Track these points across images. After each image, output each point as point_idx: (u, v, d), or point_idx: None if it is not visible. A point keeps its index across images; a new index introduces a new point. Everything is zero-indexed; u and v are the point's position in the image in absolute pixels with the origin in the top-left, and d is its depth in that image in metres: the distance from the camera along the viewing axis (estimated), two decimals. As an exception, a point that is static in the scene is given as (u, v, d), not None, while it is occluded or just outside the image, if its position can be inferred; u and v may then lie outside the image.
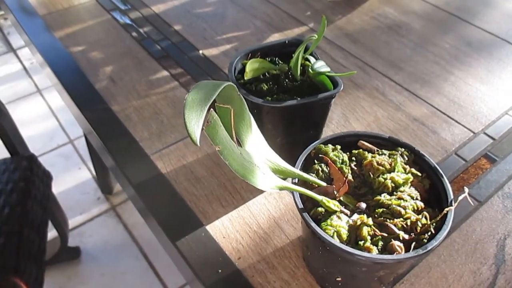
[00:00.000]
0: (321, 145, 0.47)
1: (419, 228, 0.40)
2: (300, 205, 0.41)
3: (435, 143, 0.65)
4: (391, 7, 0.94)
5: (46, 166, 1.07)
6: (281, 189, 0.38)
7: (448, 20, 0.90)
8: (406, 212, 0.41)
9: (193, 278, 0.51)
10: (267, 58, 0.58)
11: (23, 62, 2.15)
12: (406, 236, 0.40)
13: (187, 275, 0.53)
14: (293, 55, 0.55)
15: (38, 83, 2.02)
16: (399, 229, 0.40)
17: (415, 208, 0.41)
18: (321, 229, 0.39)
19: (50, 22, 0.89)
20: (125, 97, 0.72)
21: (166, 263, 1.32)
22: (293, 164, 0.44)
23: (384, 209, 0.41)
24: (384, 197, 0.42)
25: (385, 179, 0.43)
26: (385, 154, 0.46)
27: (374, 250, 0.39)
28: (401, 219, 0.40)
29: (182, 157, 0.63)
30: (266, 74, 0.56)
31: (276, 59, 0.58)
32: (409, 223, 0.40)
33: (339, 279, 0.44)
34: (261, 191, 0.58)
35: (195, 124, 0.28)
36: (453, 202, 0.41)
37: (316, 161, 0.45)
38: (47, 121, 1.83)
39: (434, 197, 0.44)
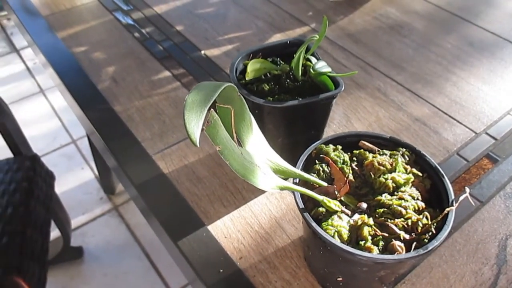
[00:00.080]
0: (322, 145, 0.47)
1: (420, 228, 0.40)
2: (301, 205, 0.41)
3: (437, 143, 0.65)
4: (393, 7, 0.94)
5: (49, 166, 1.07)
6: (282, 189, 0.38)
7: (450, 20, 0.90)
8: (407, 212, 0.41)
9: (194, 278, 0.51)
10: (269, 59, 0.58)
11: (26, 62, 2.16)
12: (407, 236, 0.40)
13: (189, 275, 0.53)
14: (294, 55, 0.55)
15: (41, 83, 2.02)
16: (400, 229, 0.40)
17: (416, 208, 0.42)
18: (322, 229, 0.39)
19: (53, 23, 0.89)
20: (127, 98, 0.72)
21: (168, 263, 1.32)
22: (294, 164, 0.44)
23: (385, 209, 0.41)
24: (385, 197, 0.42)
25: (386, 179, 0.43)
26: (386, 154, 0.46)
27: (375, 250, 0.39)
28: (402, 219, 0.40)
29: (183, 157, 0.63)
30: (268, 74, 0.56)
31: (278, 59, 0.58)
32: (410, 223, 0.40)
33: (340, 279, 0.44)
34: (263, 191, 0.58)
35: (194, 125, 0.28)
36: (454, 202, 0.41)
37: (317, 161, 0.46)
38: (50, 121, 1.84)
39: (435, 197, 0.44)
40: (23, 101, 1.93)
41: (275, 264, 0.51)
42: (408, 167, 0.45)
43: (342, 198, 0.43)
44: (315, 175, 0.44)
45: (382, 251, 0.39)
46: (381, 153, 0.46)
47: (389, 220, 0.40)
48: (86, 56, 0.81)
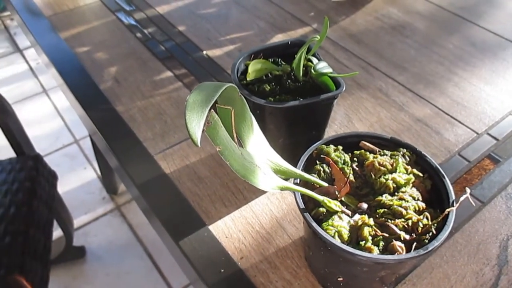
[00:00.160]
0: (323, 145, 0.47)
1: (420, 229, 0.40)
2: (302, 206, 0.41)
3: (438, 143, 0.65)
4: (395, 8, 0.94)
5: (51, 166, 1.08)
6: (282, 189, 0.38)
7: (452, 20, 0.90)
8: (407, 213, 0.41)
9: (196, 278, 0.51)
10: (270, 59, 0.58)
11: (29, 62, 2.17)
12: (407, 237, 0.40)
13: (190, 274, 0.53)
14: (295, 56, 0.55)
15: (44, 83, 2.03)
16: (400, 230, 0.40)
17: (417, 208, 0.42)
18: (323, 229, 0.39)
19: (56, 23, 0.90)
20: (129, 98, 0.72)
21: (171, 263, 1.33)
22: (295, 165, 0.44)
23: (385, 210, 0.41)
24: (385, 198, 0.42)
25: (387, 179, 0.43)
26: (386, 155, 0.46)
27: (375, 250, 0.39)
28: (402, 219, 0.40)
29: (185, 157, 0.63)
30: (269, 75, 0.56)
31: (279, 60, 0.58)
32: (410, 224, 0.40)
33: (340, 279, 0.44)
34: (264, 192, 0.58)
35: (196, 125, 0.28)
36: (454, 202, 0.41)
37: (318, 162, 0.46)
38: (52, 121, 1.84)
39: (436, 198, 0.44)
40: (26, 101, 1.94)
41: (276, 264, 0.51)
42: (409, 167, 0.45)
43: (343, 199, 0.43)
44: (315, 175, 0.44)
45: (382, 252, 0.39)
46: (382, 153, 0.46)
47: (389, 220, 0.40)
48: (88, 56, 0.81)
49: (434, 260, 0.51)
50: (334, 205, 0.41)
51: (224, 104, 0.37)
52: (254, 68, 0.54)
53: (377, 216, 0.41)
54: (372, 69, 0.78)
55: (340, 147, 0.47)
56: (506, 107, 0.70)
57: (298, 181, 0.43)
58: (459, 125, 0.67)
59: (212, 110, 0.31)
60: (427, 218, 0.41)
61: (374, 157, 0.45)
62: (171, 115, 0.69)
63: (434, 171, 0.45)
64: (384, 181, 0.43)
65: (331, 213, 0.41)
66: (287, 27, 0.88)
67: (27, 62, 2.17)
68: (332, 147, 0.47)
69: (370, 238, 0.40)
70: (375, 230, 0.40)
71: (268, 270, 0.50)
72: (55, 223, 1.03)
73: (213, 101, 0.31)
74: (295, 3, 0.95)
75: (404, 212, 0.41)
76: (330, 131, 0.66)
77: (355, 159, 0.46)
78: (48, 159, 1.61)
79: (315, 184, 0.43)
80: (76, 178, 1.60)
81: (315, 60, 0.56)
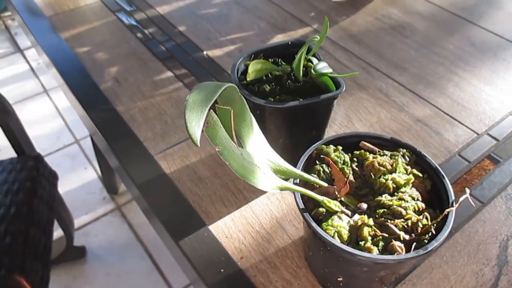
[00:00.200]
0: (323, 145, 0.47)
1: (419, 229, 0.40)
2: (301, 206, 0.41)
3: (438, 144, 0.65)
4: (395, 8, 0.94)
5: (52, 166, 1.08)
6: (282, 189, 0.38)
7: (453, 21, 0.90)
8: (407, 213, 0.41)
9: (196, 278, 0.51)
10: (270, 59, 0.58)
11: (30, 62, 2.17)
12: (407, 237, 0.40)
13: (190, 274, 0.54)
14: (295, 56, 0.55)
15: (45, 83, 2.03)
16: (399, 230, 0.40)
17: (416, 208, 0.42)
18: (322, 229, 0.39)
19: (56, 23, 0.90)
20: (129, 98, 0.72)
21: (171, 263, 1.33)
22: (296, 165, 0.44)
23: (385, 210, 0.41)
24: (385, 198, 0.42)
25: (386, 179, 0.43)
26: (386, 155, 0.46)
27: (375, 250, 0.39)
28: (402, 219, 0.40)
29: (185, 157, 0.63)
30: (269, 75, 0.56)
31: (279, 60, 0.58)
32: (409, 224, 0.40)
33: (340, 279, 0.44)
34: (264, 192, 0.58)
35: (195, 125, 0.29)
36: (454, 203, 0.41)
37: (317, 162, 0.46)
38: (53, 121, 1.84)
39: (435, 198, 0.44)
40: (26, 101, 1.94)
41: (276, 264, 0.51)
42: (409, 167, 0.45)
43: (342, 199, 0.43)
44: (315, 175, 0.44)
45: (382, 252, 0.39)
46: (382, 153, 0.46)
47: (389, 220, 0.40)
48: (89, 57, 0.81)
49: (434, 260, 0.51)
50: (334, 205, 0.41)
51: (224, 104, 0.37)
52: (254, 68, 0.54)
53: (377, 216, 0.41)
54: (372, 70, 0.78)
55: (340, 147, 0.47)
56: (506, 108, 0.70)
57: (297, 181, 0.43)
58: (459, 125, 0.67)
59: (211, 110, 0.31)
60: (426, 218, 0.41)
61: (374, 157, 0.45)
62: (172, 115, 0.69)
63: (433, 171, 0.45)
64: (384, 181, 0.43)
65: (330, 213, 0.41)
66: (287, 28, 0.88)
67: (28, 62, 2.17)
68: (332, 147, 0.47)
69: (369, 238, 0.40)
70: (374, 230, 0.40)
71: (268, 270, 0.50)
72: (55, 223, 1.03)
73: (212, 101, 0.31)
74: (295, 4, 0.95)
75: (403, 212, 0.41)
76: (330, 131, 0.66)
77: (355, 159, 0.46)
78: (48, 159, 1.61)
79: (315, 184, 0.43)
80: (76, 178, 1.60)
81: (315, 61, 0.56)
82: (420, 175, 0.45)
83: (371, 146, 0.47)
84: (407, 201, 0.42)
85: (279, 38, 0.86)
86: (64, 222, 1.14)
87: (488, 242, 0.53)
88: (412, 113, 0.69)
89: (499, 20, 0.90)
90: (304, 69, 0.55)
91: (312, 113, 0.54)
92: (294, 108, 0.51)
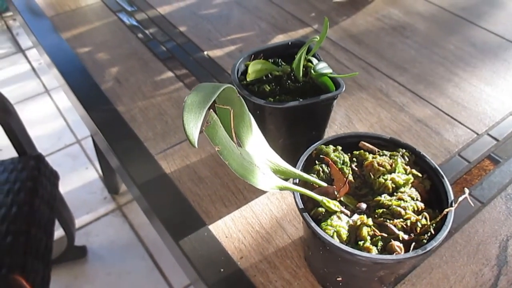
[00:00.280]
0: (322, 146, 0.47)
1: (419, 229, 0.40)
2: (301, 205, 0.41)
3: (438, 144, 0.65)
4: (395, 8, 0.94)
5: (53, 166, 1.08)
6: (281, 189, 0.39)
7: (453, 21, 0.90)
8: (406, 213, 0.41)
9: (196, 278, 0.52)
10: (270, 60, 0.58)
11: (32, 62, 2.17)
12: (406, 237, 0.40)
13: (190, 274, 0.54)
14: (295, 56, 0.55)
15: (46, 84, 2.04)
16: (398, 230, 0.40)
17: (415, 208, 0.42)
18: (321, 229, 0.39)
19: (58, 23, 0.90)
20: (130, 98, 0.73)
21: (172, 263, 1.33)
22: (295, 165, 0.44)
23: (384, 210, 0.41)
24: (384, 198, 0.42)
25: (386, 180, 0.43)
26: (386, 155, 0.46)
27: (374, 250, 0.39)
28: (401, 219, 0.41)
29: (185, 157, 0.63)
30: (269, 75, 0.57)
31: (279, 60, 0.58)
32: (409, 224, 0.40)
33: (339, 279, 0.44)
34: (264, 192, 0.58)
35: (193, 126, 0.29)
36: (453, 203, 0.41)
37: (317, 162, 0.46)
38: (55, 121, 1.85)
39: (435, 198, 0.44)
40: (28, 101, 1.95)
41: (275, 264, 0.51)
42: (408, 168, 0.45)
43: (342, 199, 0.43)
44: (315, 175, 0.45)
45: (381, 251, 0.39)
46: (381, 154, 0.46)
47: (388, 220, 0.41)
48: (90, 57, 0.81)
49: (433, 260, 0.51)
50: (333, 205, 0.41)
51: (223, 105, 0.37)
52: (254, 68, 0.54)
53: (376, 216, 0.41)
54: (373, 70, 0.78)
55: (340, 148, 0.47)
56: (506, 108, 0.70)
57: (297, 181, 0.43)
58: (459, 125, 0.67)
59: (211, 110, 0.31)
60: (425, 218, 0.41)
61: (373, 158, 0.46)
62: (172, 115, 0.69)
63: (433, 171, 0.45)
64: (383, 181, 0.43)
65: (330, 213, 0.41)
66: (288, 28, 0.89)
67: (29, 62, 2.18)
68: (331, 147, 0.47)
69: (368, 238, 0.40)
70: (373, 230, 0.40)
71: (267, 270, 0.50)
72: (56, 222, 1.03)
73: (210, 102, 0.31)
74: (296, 4, 0.96)
75: (403, 212, 0.41)
76: (330, 132, 0.66)
77: (354, 159, 0.47)
78: (50, 159, 1.62)
79: (314, 184, 0.43)
80: (77, 178, 1.60)
81: (315, 61, 0.56)
82: (420, 175, 0.45)
83: (371, 146, 0.48)
84: (406, 201, 0.42)
85: (279, 39, 0.86)
86: (65, 222, 1.14)
87: (488, 242, 0.53)
88: (412, 113, 0.69)
89: (500, 21, 0.90)
90: (304, 69, 0.55)
91: (312, 113, 0.54)
92: (294, 108, 0.51)
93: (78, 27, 0.89)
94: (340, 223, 0.40)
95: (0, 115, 0.98)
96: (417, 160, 0.46)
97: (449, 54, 0.81)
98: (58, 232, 1.12)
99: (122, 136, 0.67)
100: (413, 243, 0.39)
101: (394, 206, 0.41)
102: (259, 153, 0.40)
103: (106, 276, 1.32)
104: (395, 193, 0.43)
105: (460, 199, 0.43)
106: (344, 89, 0.52)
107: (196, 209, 0.57)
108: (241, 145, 0.40)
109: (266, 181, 0.37)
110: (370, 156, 0.46)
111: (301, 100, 0.51)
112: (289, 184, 0.40)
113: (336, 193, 0.42)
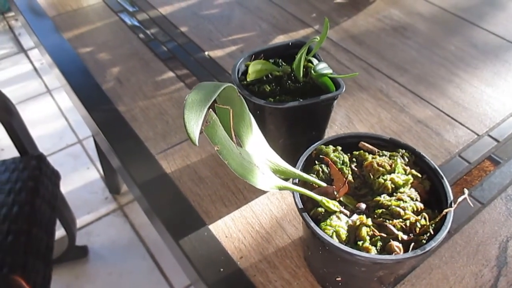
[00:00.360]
0: (322, 146, 0.47)
1: (418, 229, 0.40)
2: (300, 205, 0.41)
3: (439, 145, 0.65)
4: (396, 9, 0.94)
5: (55, 166, 1.08)
6: (280, 189, 0.39)
7: (454, 22, 0.90)
8: (405, 213, 0.41)
9: (196, 278, 0.52)
10: (271, 60, 0.58)
11: (34, 62, 2.18)
12: (405, 237, 0.40)
13: (190, 274, 0.54)
14: (296, 56, 0.55)
15: (48, 84, 2.04)
16: (398, 230, 0.40)
17: (415, 209, 0.42)
18: (321, 229, 0.39)
19: (59, 24, 0.90)
20: (131, 98, 0.73)
21: (172, 263, 1.33)
22: (295, 165, 0.44)
23: (384, 210, 0.42)
24: (383, 198, 0.42)
25: (385, 180, 0.44)
26: (385, 156, 0.46)
27: (373, 250, 0.39)
28: (400, 220, 0.41)
29: (186, 157, 0.63)
30: (269, 75, 0.57)
31: (280, 60, 0.58)
32: (408, 224, 0.40)
33: (339, 279, 0.44)
34: (264, 192, 0.58)
35: (194, 124, 0.29)
36: (452, 203, 0.41)
37: (317, 162, 0.46)
38: (56, 121, 1.85)
39: (434, 199, 0.44)
40: (30, 101, 1.95)
41: (275, 264, 0.51)
42: (408, 168, 0.45)
43: (341, 199, 0.43)
44: (314, 175, 0.45)
45: (380, 252, 0.39)
46: (381, 154, 0.46)
47: (387, 220, 0.41)
48: (91, 57, 0.82)
49: (433, 261, 0.51)
50: (333, 205, 0.41)
51: (223, 104, 0.38)
52: (254, 68, 0.54)
53: (375, 216, 0.41)
54: (373, 70, 0.78)
55: (339, 148, 0.47)
56: (507, 109, 0.70)
57: (297, 181, 0.44)
58: (459, 126, 0.67)
59: (210, 109, 0.31)
60: (425, 218, 0.41)
61: (373, 158, 0.46)
62: (173, 115, 0.70)
63: (432, 172, 0.45)
64: (383, 181, 0.44)
65: (329, 213, 0.41)
66: (289, 28, 0.89)
67: (31, 62, 2.18)
68: (331, 147, 0.47)
69: (368, 238, 0.40)
70: (373, 230, 0.40)
71: (267, 269, 0.51)
72: (57, 222, 1.03)
73: (211, 101, 0.31)
74: (297, 4, 0.96)
75: (402, 212, 0.41)
76: (331, 132, 0.66)
77: (354, 159, 0.47)
78: (51, 158, 1.62)
79: (314, 184, 0.43)
80: (79, 177, 1.61)
81: (315, 61, 0.56)
82: (419, 175, 0.45)
83: (370, 147, 0.48)
84: (406, 202, 0.42)
85: (280, 39, 0.86)
86: (66, 222, 1.14)
87: (488, 243, 0.53)
88: (412, 114, 0.69)
89: (501, 22, 0.90)
90: (304, 69, 0.55)
91: (312, 113, 0.54)
92: (294, 108, 0.51)
93: (80, 27, 0.89)
94: (340, 223, 0.40)
95: (2, 115, 0.98)
96: (416, 160, 0.47)
97: (450, 55, 0.81)
98: (59, 232, 1.12)
99: (123, 136, 0.67)
100: (412, 244, 0.39)
101: (393, 207, 0.41)
102: (259, 153, 0.40)
103: (107, 276, 1.32)
104: (394, 194, 0.43)
105: (460, 199, 0.43)
106: (344, 89, 0.52)
107: (196, 209, 0.57)
108: (241, 144, 0.40)
109: (266, 181, 0.37)
110: (369, 157, 0.46)
111: (301, 100, 0.51)
112: (288, 184, 0.40)
113: (335, 193, 0.42)
